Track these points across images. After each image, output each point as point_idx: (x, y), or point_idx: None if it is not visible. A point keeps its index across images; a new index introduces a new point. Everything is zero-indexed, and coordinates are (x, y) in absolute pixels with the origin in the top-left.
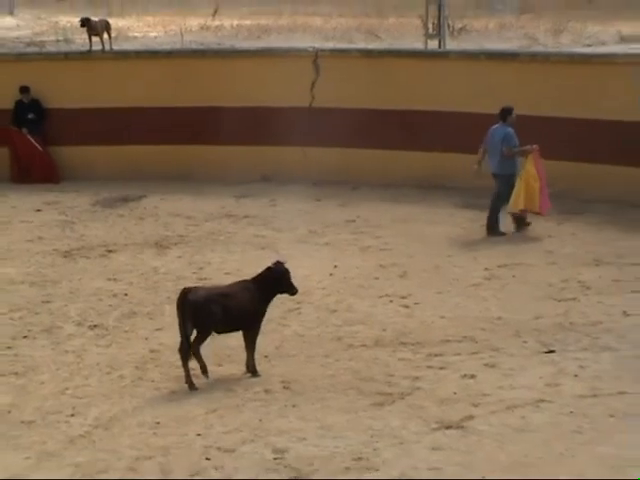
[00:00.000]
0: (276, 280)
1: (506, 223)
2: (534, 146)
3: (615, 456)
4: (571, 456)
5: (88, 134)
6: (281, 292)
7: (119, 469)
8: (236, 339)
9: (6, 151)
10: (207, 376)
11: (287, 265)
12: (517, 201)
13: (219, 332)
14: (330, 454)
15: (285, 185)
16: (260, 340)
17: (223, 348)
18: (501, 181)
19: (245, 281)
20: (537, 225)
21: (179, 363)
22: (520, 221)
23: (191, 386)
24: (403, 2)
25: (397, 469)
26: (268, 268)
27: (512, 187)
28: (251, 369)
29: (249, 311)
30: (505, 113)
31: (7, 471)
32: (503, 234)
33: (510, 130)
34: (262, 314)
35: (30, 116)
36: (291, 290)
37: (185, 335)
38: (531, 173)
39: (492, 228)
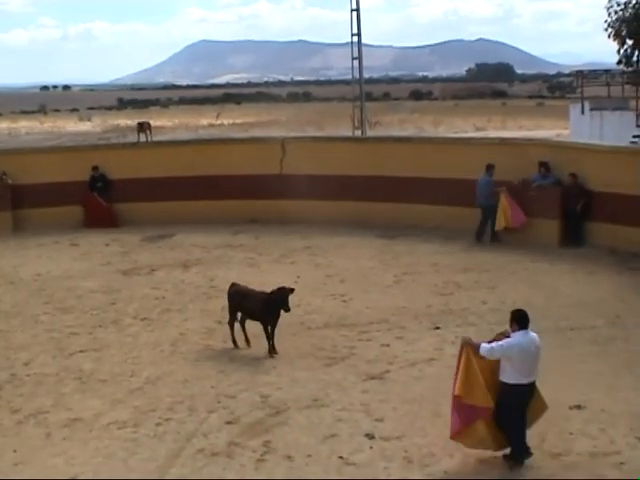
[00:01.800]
0: (278, 298)
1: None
2: (503, 188)
3: None
4: (450, 393)
5: (137, 195)
6: (280, 307)
7: (162, 409)
8: (236, 324)
9: (81, 209)
10: (249, 345)
11: (289, 290)
12: (499, 222)
13: (245, 317)
14: (297, 397)
15: (265, 225)
16: (249, 325)
17: (229, 332)
18: (486, 209)
19: (263, 292)
20: (427, 247)
21: (200, 341)
22: (495, 236)
23: (234, 345)
24: (338, 106)
25: (340, 405)
26: (278, 288)
27: (492, 212)
28: (269, 349)
29: (258, 310)
30: (488, 167)
31: (93, 410)
32: (482, 242)
33: (490, 179)
34: (269, 316)
35: (99, 185)
36: (285, 307)
37: (229, 313)
38: (504, 204)
39: (479, 237)
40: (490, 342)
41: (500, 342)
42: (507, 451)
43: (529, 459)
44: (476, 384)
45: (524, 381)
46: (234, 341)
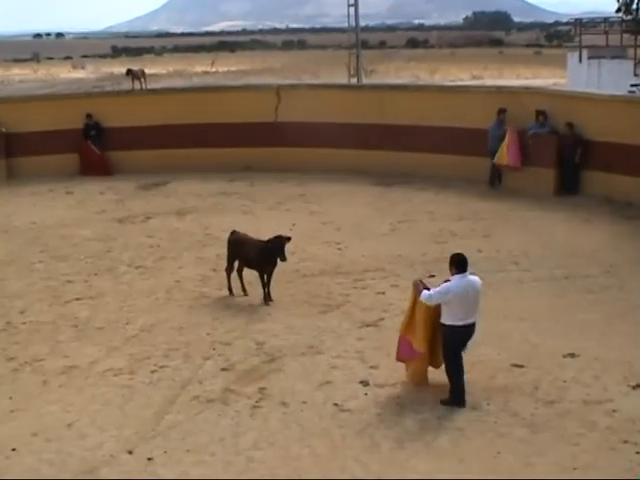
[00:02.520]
0: (275, 247)
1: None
2: (511, 126)
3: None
4: None
5: (131, 143)
6: (276, 256)
7: (158, 356)
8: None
9: (76, 156)
10: (245, 293)
11: (286, 239)
12: (499, 157)
13: (243, 265)
14: (292, 344)
15: (260, 172)
16: (244, 273)
17: (224, 280)
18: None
19: (260, 241)
20: (423, 195)
21: (195, 289)
22: (494, 180)
23: (230, 292)
24: (334, 54)
25: (335, 352)
26: (275, 237)
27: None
28: (264, 297)
29: (254, 258)
30: (500, 112)
31: (89, 357)
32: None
33: (500, 123)
34: (265, 264)
35: (92, 133)
36: (281, 256)
37: (227, 260)
38: (506, 141)
39: (492, 183)
40: (427, 289)
41: (437, 288)
42: (445, 397)
43: (517, 406)
44: (418, 328)
45: (460, 323)
46: (230, 289)
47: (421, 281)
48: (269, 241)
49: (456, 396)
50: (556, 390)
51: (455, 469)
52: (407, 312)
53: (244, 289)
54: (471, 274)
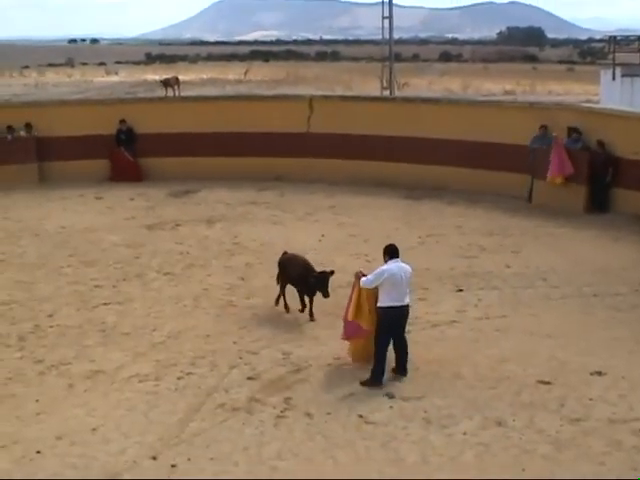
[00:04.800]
0: (318, 281)
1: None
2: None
3: (498, 354)
4: (471, 355)
5: (163, 150)
6: (319, 290)
7: (184, 363)
8: (260, 280)
9: (107, 162)
10: (287, 310)
11: (329, 274)
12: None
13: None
14: (318, 355)
15: (290, 183)
16: (273, 283)
17: (254, 288)
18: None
19: (307, 266)
20: (452, 209)
21: (223, 297)
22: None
23: (285, 309)
24: (366, 66)
25: (360, 364)
26: (321, 272)
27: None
28: (309, 314)
29: (297, 283)
30: (541, 127)
31: (116, 362)
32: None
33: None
34: (307, 292)
35: (122, 137)
36: (324, 293)
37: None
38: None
39: (530, 198)
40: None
41: (374, 272)
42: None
43: (543, 423)
44: (364, 310)
45: (396, 303)
46: (285, 305)
47: (361, 271)
48: (313, 276)
49: (375, 376)
50: (582, 408)
51: None
52: (353, 301)
53: (286, 305)
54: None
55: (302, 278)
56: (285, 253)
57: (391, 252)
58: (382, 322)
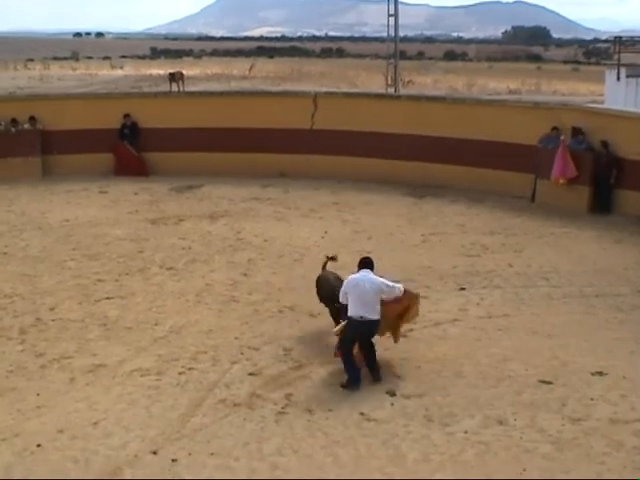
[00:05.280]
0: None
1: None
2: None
3: (500, 353)
4: (473, 354)
5: (167, 144)
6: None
7: (186, 358)
8: (263, 276)
9: (111, 156)
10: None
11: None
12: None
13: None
14: (320, 351)
15: (294, 179)
16: (275, 279)
17: (256, 284)
18: None
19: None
20: (455, 207)
21: (225, 293)
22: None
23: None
24: (371, 63)
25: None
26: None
27: None
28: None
29: (328, 306)
30: (553, 129)
31: (117, 357)
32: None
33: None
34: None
35: (126, 131)
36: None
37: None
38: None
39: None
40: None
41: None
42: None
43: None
44: None
45: (354, 314)
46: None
47: None
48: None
49: (351, 380)
50: (583, 408)
51: None
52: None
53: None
54: (395, 281)
55: (329, 301)
56: (323, 271)
57: (362, 264)
58: (346, 329)
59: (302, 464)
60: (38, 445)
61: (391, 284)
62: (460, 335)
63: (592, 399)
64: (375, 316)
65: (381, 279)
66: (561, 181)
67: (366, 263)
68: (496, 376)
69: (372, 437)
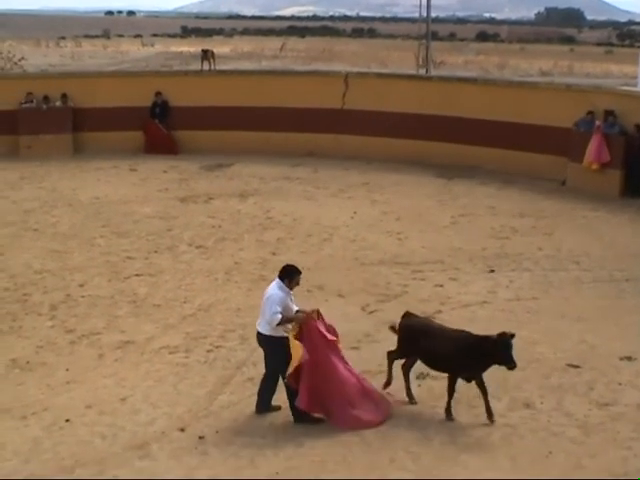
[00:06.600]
0: (497, 351)
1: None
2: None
3: (528, 336)
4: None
5: (198, 123)
6: (499, 363)
7: (214, 336)
8: (291, 255)
9: (141, 134)
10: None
11: (511, 337)
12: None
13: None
14: (348, 331)
15: (323, 159)
16: (304, 258)
17: (283, 264)
18: None
19: (465, 332)
20: (485, 189)
21: (254, 271)
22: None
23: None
24: (403, 44)
25: (391, 341)
26: (499, 335)
27: None
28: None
29: (444, 358)
30: (588, 113)
31: (146, 334)
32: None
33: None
34: (462, 370)
35: (156, 110)
36: (509, 364)
37: (399, 350)
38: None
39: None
40: None
41: None
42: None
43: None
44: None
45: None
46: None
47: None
48: (486, 338)
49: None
50: (611, 392)
51: (506, 466)
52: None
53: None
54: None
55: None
56: (409, 316)
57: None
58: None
59: (328, 443)
60: (67, 420)
61: (273, 310)
62: (489, 317)
63: (620, 384)
64: (263, 330)
65: (275, 298)
66: (594, 166)
67: (281, 271)
68: (524, 359)
69: (398, 418)
